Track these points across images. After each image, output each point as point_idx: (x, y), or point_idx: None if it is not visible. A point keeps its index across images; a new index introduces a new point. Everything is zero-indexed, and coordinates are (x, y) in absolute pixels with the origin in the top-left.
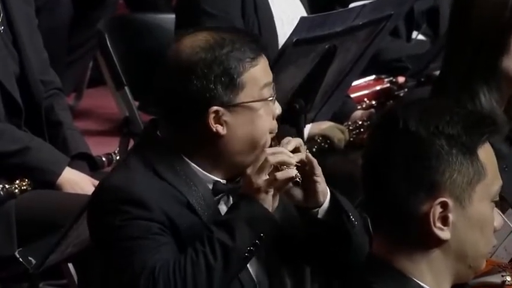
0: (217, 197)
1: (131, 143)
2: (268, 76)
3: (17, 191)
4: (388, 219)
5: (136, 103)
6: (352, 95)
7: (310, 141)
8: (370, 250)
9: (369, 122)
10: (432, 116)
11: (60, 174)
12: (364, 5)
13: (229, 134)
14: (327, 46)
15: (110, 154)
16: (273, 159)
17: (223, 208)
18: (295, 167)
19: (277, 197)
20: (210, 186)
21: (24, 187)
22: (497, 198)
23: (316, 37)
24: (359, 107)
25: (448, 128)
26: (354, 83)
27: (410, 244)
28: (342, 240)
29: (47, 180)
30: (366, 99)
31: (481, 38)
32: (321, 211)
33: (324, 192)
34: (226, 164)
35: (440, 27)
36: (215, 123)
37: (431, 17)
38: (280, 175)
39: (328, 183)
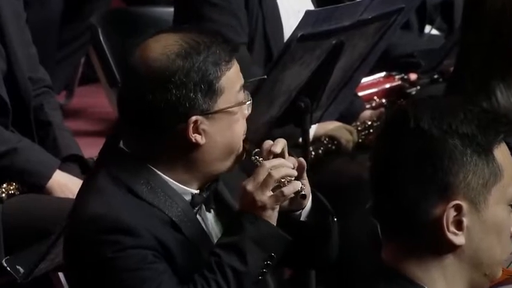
0: (195, 210)
1: None
2: (241, 78)
3: (4, 195)
4: (399, 224)
5: None
6: (361, 93)
7: (316, 143)
8: (380, 257)
9: (378, 123)
10: (445, 115)
11: (50, 177)
12: None
13: (208, 142)
14: (333, 42)
15: None
16: (277, 174)
17: (200, 220)
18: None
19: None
20: (187, 198)
21: (12, 191)
22: None
23: (322, 32)
24: (368, 106)
25: (462, 127)
26: (363, 81)
27: (422, 250)
28: (324, 238)
29: (36, 184)
30: (375, 98)
31: (496, 32)
32: (304, 212)
33: (309, 194)
34: (201, 173)
35: (455, 21)
36: (193, 133)
37: (445, 11)
38: (287, 190)
39: (334, 186)
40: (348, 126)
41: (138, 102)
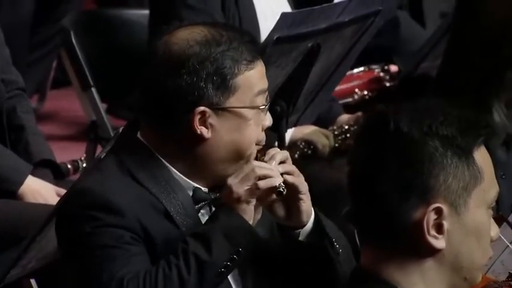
0: (198, 206)
1: (99, 148)
2: (264, 83)
3: None
4: (378, 229)
5: (104, 106)
6: (343, 86)
7: (292, 147)
8: (358, 263)
9: (355, 127)
10: (425, 117)
11: (22, 183)
12: (350, 0)
13: (214, 138)
14: (310, 44)
15: (76, 161)
16: (259, 171)
17: (204, 218)
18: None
19: (260, 210)
20: (190, 193)
21: None
22: (494, 204)
23: (298, 34)
24: (350, 99)
25: (442, 129)
26: None
27: (402, 254)
28: (323, 266)
29: (7, 190)
30: (357, 90)
31: (495, 45)
32: (303, 232)
33: (308, 212)
34: (206, 171)
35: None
36: (200, 125)
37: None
38: (263, 184)
39: (311, 192)
40: (325, 131)
41: (151, 83)
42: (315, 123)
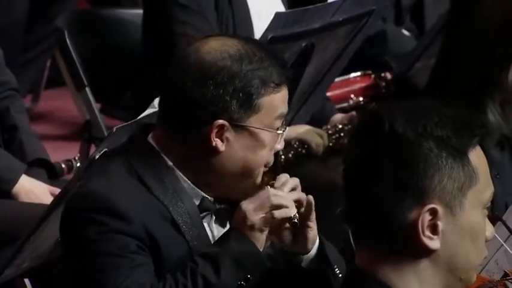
0: (202, 214)
1: (92, 148)
2: (285, 107)
3: None
4: (373, 229)
5: (99, 105)
6: (338, 92)
7: (286, 147)
8: (353, 263)
9: (349, 126)
10: (420, 117)
11: (15, 182)
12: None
13: (227, 153)
14: (303, 44)
15: (70, 160)
16: (275, 201)
17: (206, 226)
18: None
19: (270, 238)
20: (197, 202)
21: None
22: (490, 204)
23: (292, 34)
24: (345, 104)
25: (437, 130)
26: (339, 79)
27: (397, 255)
28: None
29: (1, 189)
30: (352, 96)
31: (490, 46)
32: (306, 258)
33: (314, 240)
34: (214, 183)
35: (426, 22)
36: (216, 137)
37: (415, 11)
38: (278, 214)
39: (305, 191)
40: (319, 130)
41: (177, 87)
42: (308, 123)
